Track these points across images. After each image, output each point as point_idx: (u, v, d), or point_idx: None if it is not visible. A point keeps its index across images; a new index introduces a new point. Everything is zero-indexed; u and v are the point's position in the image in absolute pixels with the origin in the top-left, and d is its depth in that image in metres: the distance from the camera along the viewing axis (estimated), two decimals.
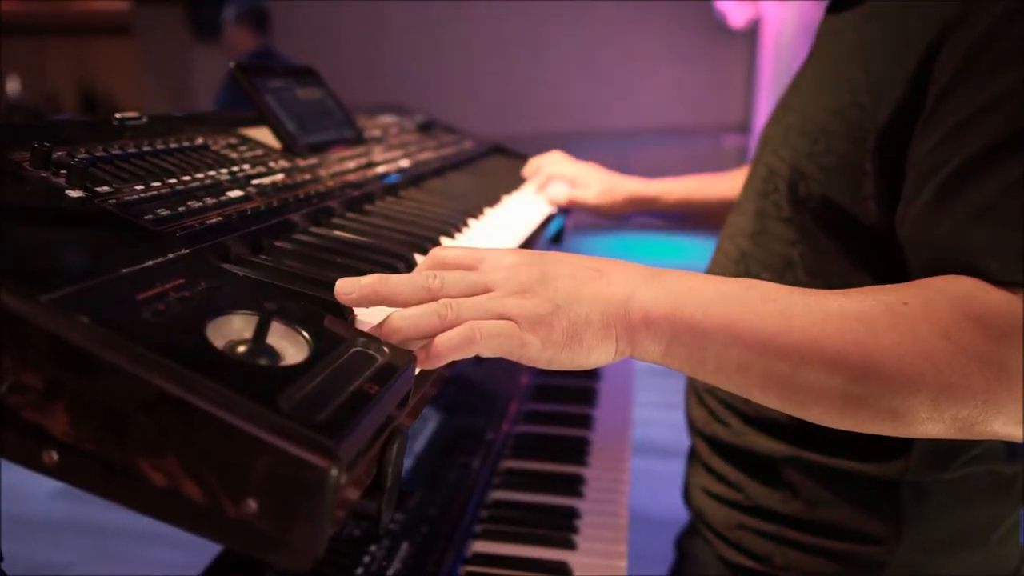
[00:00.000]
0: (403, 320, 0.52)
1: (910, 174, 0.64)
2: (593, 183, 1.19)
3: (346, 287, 0.53)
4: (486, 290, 0.55)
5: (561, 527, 0.99)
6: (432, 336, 0.52)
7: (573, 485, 1.09)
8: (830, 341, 0.53)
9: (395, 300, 0.54)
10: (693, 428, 0.95)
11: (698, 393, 0.93)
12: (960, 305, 0.54)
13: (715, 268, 0.91)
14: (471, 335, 0.52)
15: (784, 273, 0.78)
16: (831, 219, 0.73)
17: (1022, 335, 0.53)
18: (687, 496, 0.98)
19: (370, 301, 0.54)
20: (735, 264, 0.86)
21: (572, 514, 1.01)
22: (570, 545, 0.95)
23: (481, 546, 0.95)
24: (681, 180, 1.21)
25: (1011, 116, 0.57)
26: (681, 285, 0.57)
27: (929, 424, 0.54)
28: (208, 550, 0.82)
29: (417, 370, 0.52)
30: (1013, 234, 0.56)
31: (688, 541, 1.04)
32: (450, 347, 0.52)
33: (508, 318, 0.53)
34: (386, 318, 0.52)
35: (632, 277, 0.57)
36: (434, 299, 0.54)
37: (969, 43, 0.59)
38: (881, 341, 0.53)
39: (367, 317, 0.55)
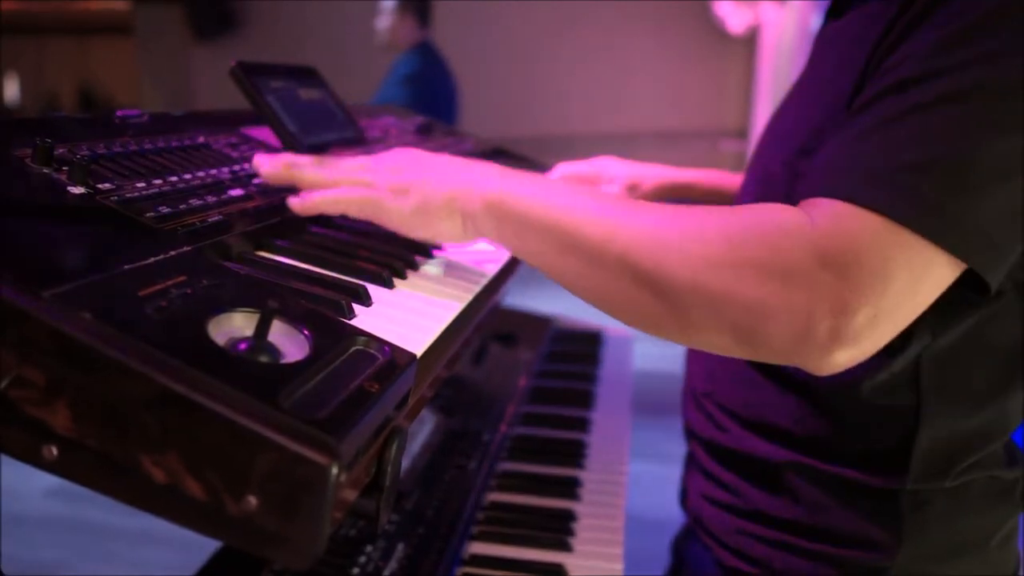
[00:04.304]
0: (296, 169, 0.67)
1: None
2: (617, 175, 1.16)
3: (261, 158, 0.69)
4: (368, 167, 0.68)
5: (558, 529, 0.99)
6: (312, 188, 0.67)
7: (570, 488, 1.08)
8: (623, 235, 0.58)
9: (299, 162, 0.68)
10: (690, 432, 0.95)
11: (696, 398, 0.93)
12: (755, 218, 0.56)
13: None
14: (339, 195, 0.66)
15: None
16: None
17: (804, 248, 0.52)
18: (684, 500, 0.98)
19: (283, 166, 0.68)
20: None
21: (569, 517, 1.01)
22: (566, 547, 0.95)
23: (478, 548, 0.95)
24: (706, 171, 1.18)
25: (913, 66, 0.57)
26: (525, 178, 0.65)
27: (708, 332, 0.56)
28: (203, 550, 0.82)
29: (294, 206, 0.66)
30: (841, 158, 0.57)
31: (684, 544, 1.04)
32: (322, 199, 0.66)
33: (375, 184, 0.66)
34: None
35: (488, 168, 0.66)
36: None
37: (918, 9, 0.59)
38: (667, 239, 0.56)
39: (371, 317, 0.55)
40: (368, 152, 1.02)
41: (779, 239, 0.53)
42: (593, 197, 0.62)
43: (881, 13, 0.68)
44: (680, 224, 0.57)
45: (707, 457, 0.90)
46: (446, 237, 0.66)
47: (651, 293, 0.57)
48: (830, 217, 0.53)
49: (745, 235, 0.55)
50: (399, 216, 0.65)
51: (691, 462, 0.96)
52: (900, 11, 0.62)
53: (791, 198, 0.75)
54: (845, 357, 0.54)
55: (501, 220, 0.63)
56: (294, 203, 0.67)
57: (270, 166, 0.68)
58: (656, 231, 0.57)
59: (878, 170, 0.54)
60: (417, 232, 0.66)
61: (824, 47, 0.82)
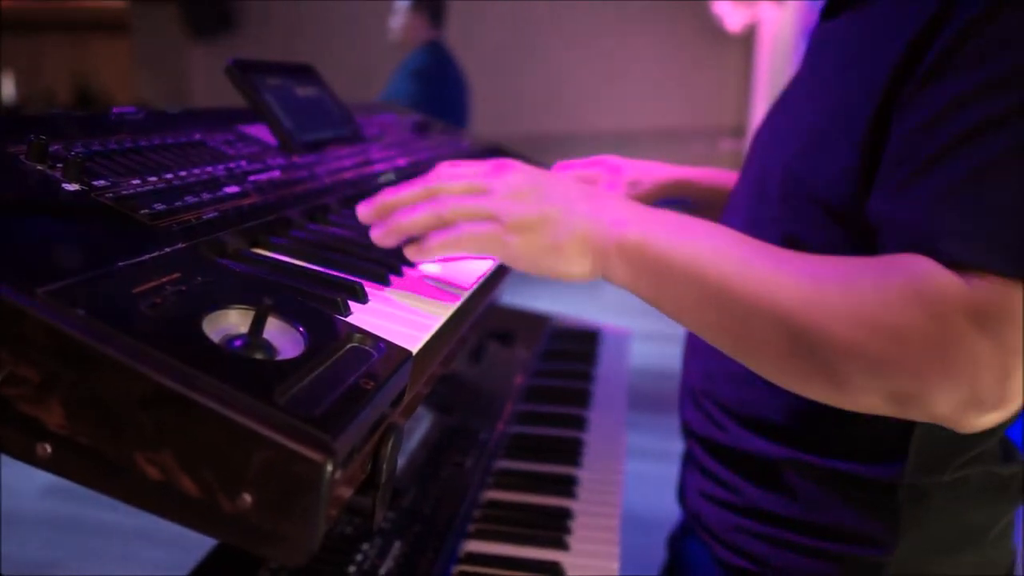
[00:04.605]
0: (404, 215, 0.61)
1: (886, 157, 0.64)
2: (617, 173, 1.14)
3: (363, 210, 0.63)
4: (484, 192, 0.61)
5: (554, 527, 0.99)
6: (428, 230, 0.61)
7: (567, 486, 1.08)
8: (781, 296, 0.56)
9: (403, 201, 0.62)
10: (688, 431, 0.95)
11: (694, 396, 0.93)
12: (911, 282, 0.55)
13: None
14: (459, 235, 0.60)
15: None
16: (823, 218, 0.73)
17: (964, 318, 0.53)
18: (682, 498, 0.98)
19: (384, 212, 0.62)
20: None
21: (565, 515, 1.01)
22: (563, 545, 0.95)
23: (474, 546, 0.95)
24: (706, 169, 1.18)
25: (988, 104, 0.57)
26: (662, 219, 0.61)
27: (864, 394, 0.56)
28: (197, 549, 0.82)
29: (412, 256, 0.61)
30: (973, 217, 0.56)
31: (681, 542, 1.04)
32: (440, 243, 0.60)
33: (497, 218, 0.60)
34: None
35: (619, 204, 0.62)
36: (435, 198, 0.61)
37: (955, 31, 0.59)
38: (829, 303, 0.55)
39: (367, 314, 0.55)
40: (367, 148, 1.02)
41: (938, 306, 0.53)
42: (738, 244, 0.60)
43: (881, 15, 0.68)
44: (836, 282, 0.56)
45: (705, 455, 0.90)
46: (573, 277, 0.62)
47: (805, 353, 0.56)
48: (978, 283, 0.54)
49: (904, 298, 0.54)
50: (526, 254, 0.60)
51: (689, 460, 0.97)
52: (933, 23, 0.61)
53: (790, 197, 0.75)
54: (1000, 416, 0.55)
55: (638, 267, 0.60)
56: (412, 253, 0.61)
57: (380, 232, 0.62)
58: (813, 290, 0.56)
59: (1000, 230, 0.55)
60: (542, 271, 0.61)
61: (821, 48, 0.82)
